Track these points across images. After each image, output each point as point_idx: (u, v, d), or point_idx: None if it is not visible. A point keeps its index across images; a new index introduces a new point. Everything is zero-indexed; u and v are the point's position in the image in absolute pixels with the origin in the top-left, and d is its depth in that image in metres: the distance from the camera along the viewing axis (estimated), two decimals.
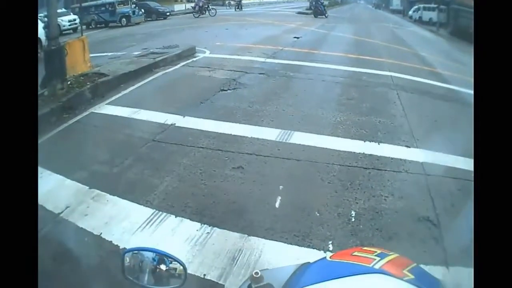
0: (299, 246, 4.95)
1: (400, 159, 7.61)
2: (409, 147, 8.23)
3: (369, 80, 14.05)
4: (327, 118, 9.59)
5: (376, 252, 1.83)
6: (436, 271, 4.66)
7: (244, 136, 8.14)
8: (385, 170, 7.16)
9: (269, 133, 8.32)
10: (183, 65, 15.23)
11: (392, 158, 7.63)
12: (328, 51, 20.17)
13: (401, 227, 5.51)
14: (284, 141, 7.98)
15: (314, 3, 50.11)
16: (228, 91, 11.53)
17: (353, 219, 5.59)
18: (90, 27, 41.80)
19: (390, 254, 1.83)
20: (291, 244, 5.01)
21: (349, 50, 21.30)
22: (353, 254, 1.83)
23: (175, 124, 8.79)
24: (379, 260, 1.72)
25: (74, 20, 38.31)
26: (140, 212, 5.62)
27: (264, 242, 5.01)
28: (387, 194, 6.29)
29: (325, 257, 1.88)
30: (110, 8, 43.98)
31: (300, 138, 8.17)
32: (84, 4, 44.09)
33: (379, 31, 35.96)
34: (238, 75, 13.39)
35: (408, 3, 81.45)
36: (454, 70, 19.10)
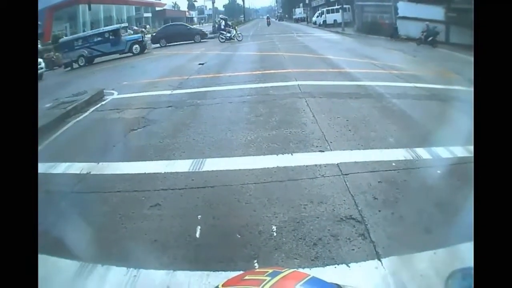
0: (224, 271, 4.99)
1: (315, 165, 7.84)
2: (323, 151, 8.47)
3: (276, 93, 14.36)
4: (237, 139, 9.75)
5: (267, 272, 1.82)
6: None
7: (158, 173, 8.13)
8: (301, 179, 7.35)
9: (182, 165, 8.36)
10: (93, 111, 15.01)
11: (307, 166, 7.84)
12: (233, 72, 20.44)
13: (324, 232, 5.67)
14: (197, 170, 8.04)
15: (218, 25, 49.36)
16: (138, 130, 11.49)
17: (275, 234, 5.71)
18: (77, 65, 36.55)
19: (283, 271, 1.83)
20: (216, 271, 5.06)
21: (254, 67, 21.59)
22: (244, 278, 1.83)
23: (90, 172, 8.66)
24: (269, 280, 1.72)
25: (39, 64, 31.73)
26: (69, 266, 5.53)
27: (190, 274, 5.04)
28: (306, 202, 6.46)
29: (218, 285, 1.90)
30: (111, 37, 38.68)
31: (213, 164, 8.27)
32: (63, 40, 40.87)
33: (282, 43, 36.53)
34: (147, 112, 13.36)
35: (311, 9, 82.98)
36: (361, 66, 19.67)
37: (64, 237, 6.29)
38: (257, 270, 1.96)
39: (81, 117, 14.25)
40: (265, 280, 1.72)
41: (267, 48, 31.99)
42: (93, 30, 43.81)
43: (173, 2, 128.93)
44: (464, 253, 5.00)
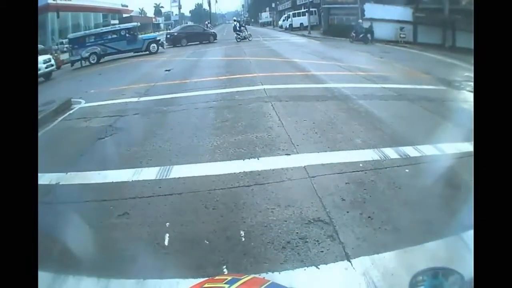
0: (194, 278, 4.95)
1: (282, 169, 7.90)
2: (289, 154, 8.54)
3: (242, 98, 14.45)
4: (204, 145, 9.79)
5: (226, 279, 1.84)
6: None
7: (125, 181, 8.12)
8: (268, 183, 7.40)
9: (149, 173, 8.36)
10: (61, 120, 14.89)
11: (273, 170, 7.91)
12: (200, 77, 20.43)
13: (293, 235, 5.73)
14: (164, 177, 8.05)
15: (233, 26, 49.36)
16: (106, 138, 11.42)
17: (243, 239, 5.77)
18: (87, 63, 36.09)
19: (242, 278, 1.85)
20: (186, 278, 5.08)
21: (219, 72, 21.59)
22: (203, 286, 1.82)
23: (59, 182, 8.59)
24: (228, 287, 1.74)
25: (49, 60, 30.25)
26: (40, 277, 5.48)
27: (160, 282, 5.06)
28: (273, 206, 6.53)
29: None
30: (128, 35, 38.69)
31: (179, 171, 8.30)
32: (73, 35, 39.88)
33: (248, 47, 36.43)
34: (114, 120, 13.30)
35: (278, 13, 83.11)
36: (327, 69, 19.80)
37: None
38: (216, 278, 1.95)
39: (49, 127, 14.05)
40: (224, 287, 1.74)
41: (233, 53, 31.97)
42: (108, 27, 43.99)
43: (139, 9, 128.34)
44: (434, 251, 5.11)
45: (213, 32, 52.57)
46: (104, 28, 42.79)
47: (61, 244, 6.21)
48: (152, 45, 39.56)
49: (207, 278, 2.02)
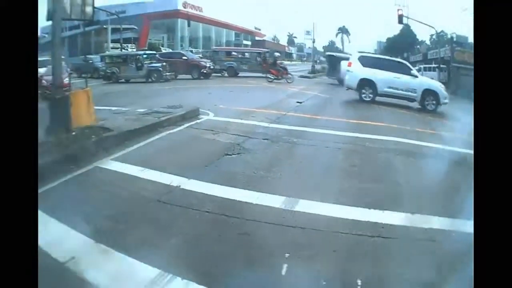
0: None
1: (404, 226, 7.69)
2: (413, 213, 8.33)
3: (372, 146, 14.21)
4: (331, 185, 9.73)
5: None
6: None
7: (249, 202, 8.22)
8: (391, 238, 7.25)
9: (274, 200, 8.39)
10: (187, 126, 15.53)
11: (396, 226, 7.71)
12: (331, 116, 20.33)
13: None
14: (288, 208, 8.03)
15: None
16: (233, 155, 11.69)
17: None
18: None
19: None
20: None
21: (350, 115, 21.41)
22: None
23: (180, 186, 8.94)
24: None
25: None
26: (146, 271, 5.67)
27: None
28: (392, 261, 6.38)
29: None
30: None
31: (304, 205, 8.23)
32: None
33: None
34: (242, 139, 13.58)
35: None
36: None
37: (144, 242, 6.62)
38: None
39: (175, 130, 14.81)
40: None
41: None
42: (253, 49, 51.44)
43: (273, 35, 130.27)
44: None
45: None
46: (246, 48, 47.74)
47: (174, 245, 6.54)
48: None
49: None
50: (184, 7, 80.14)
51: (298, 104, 24.61)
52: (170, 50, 63.93)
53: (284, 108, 21.88)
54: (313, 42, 65.79)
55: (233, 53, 50.57)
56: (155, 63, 40.85)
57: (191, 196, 8.49)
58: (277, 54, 46.30)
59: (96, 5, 15.37)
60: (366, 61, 26.29)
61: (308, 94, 31.36)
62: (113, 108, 19.19)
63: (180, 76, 42.37)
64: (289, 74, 42.83)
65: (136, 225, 7.27)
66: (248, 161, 11.37)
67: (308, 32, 65.24)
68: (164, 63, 40.53)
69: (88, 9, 14.16)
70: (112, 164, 10.59)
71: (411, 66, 25.56)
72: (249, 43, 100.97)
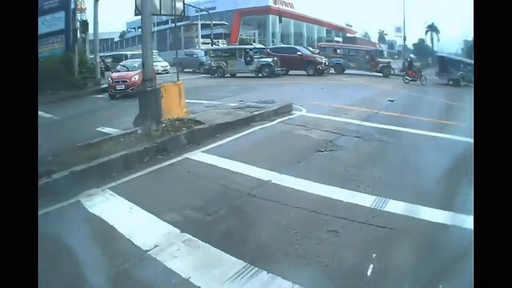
0: None
1: None
2: None
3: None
4: (422, 185, 9.33)
5: None
6: None
7: (339, 200, 8.08)
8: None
9: (365, 199, 8.19)
10: (280, 122, 15.54)
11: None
12: (421, 116, 19.72)
13: None
14: (379, 208, 7.84)
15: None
16: (325, 152, 11.53)
17: None
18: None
19: None
20: None
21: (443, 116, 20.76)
22: None
23: (271, 180, 8.93)
24: None
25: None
26: (231, 262, 5.70)
27: None
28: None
29: None
30: (366, 56, 44.56)
31: (396, 206, 7.96)
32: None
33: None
34: (335, 136, 13.37)
35: None
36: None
37: (231, 234, 6.67)
38: None
39: (267, 125, 14.89)
40: None
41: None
42: (356, 46, 52.12)
43: (364, 32, 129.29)
44: None
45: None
46: (354, 45, 50.80)
47: (262, 238, 6.54)
48: (385, 70, 43.26)
49: None
50: (275, 3, 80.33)
51: (390, 102, 23.77)
52: (283, 45, 64.03)
53: (376, 106, 21.06)
54: (404, 40, 64.41)
55: (339, 50, 49.00)
56: (265, 57, 40.65)
57: (282, 191, 8.47)
58: (412, 56, 44.68)
59: (186, 1, 15.72)
60: None
61: (399, 92, 30.59)
62: (205, 102, 19.45)
63: (292, 72, 41.98)
64: (423, 76, 40.51)
65: (224, 217, 7.29)
66: (340, 158, 11.16)
67: (398, 29, 64.15)
68: (275, 58, 40.03)
69: (179, 5, 14.63)
70: (203, 156, 10.71)
71: None
72: (340, 39, 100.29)
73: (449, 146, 13.06)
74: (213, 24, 64.07)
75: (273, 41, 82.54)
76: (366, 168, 10.30)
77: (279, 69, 39.33)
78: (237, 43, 66.81)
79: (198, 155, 10.89)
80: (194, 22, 69.24)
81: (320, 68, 42.03)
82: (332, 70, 44.48)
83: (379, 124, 16.32)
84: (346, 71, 45.56)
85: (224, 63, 39.82)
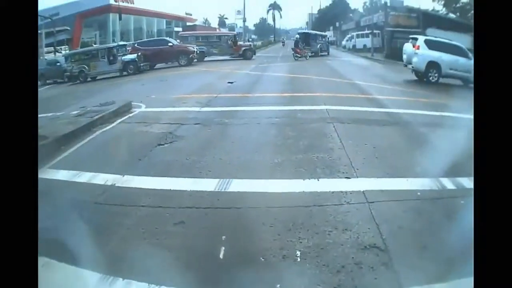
0: None
1: (341, 192, 7.80)
2: (349, 178, 8.45)
3: (305, 117, 14.45)
4: (265, 161, 9.77)
5: None
6: None
7: (183, 190, 8.16)
8: (327, 205, 7.32)
9: (208, 184, 8.36)
10: (120, 122, 15.24)
11: (332, 192, 7.82)
12: (262, 92, 20.41)
13: (348, 259, 5.63)
14: (223, 190, 8.05)
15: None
16: (165, 145, 11.54)
17: (298, 259, 5.71)
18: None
19: None
20: None
21: (282, 89, 21.70)
22: None
23: (115, 184, 8.78)
24: None
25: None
26: (89, 277, 5.58)
27: None
28: (330, 229, 6.43)
29: None
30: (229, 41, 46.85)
31: (239, 185, 8.27)
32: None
33: (312, 66, 36.41)
34: (174, 127, 13.43)
35: (341, 33, 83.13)
36: (390, 93, 19.64)
37: (85, 248, 6.35)
38: None
39: (108, 127, 14.53)
40: None
41: (295, 71, 31.99)
42: (214, 32, 55.27)
43: (203, 18, 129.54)
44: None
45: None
46: (215, 32, 53.74)
47: (112, 246, 6.44)
48: (248, 53, 47.56)
49: None
50: (116, 1, 78.52)
51: (230, 84, 24.51)
52: (152, 38, 62.74)
53: (216, 91, 21.76)
54: (244, 21, 65.65)
55: (201, 38, 49.78)
56: (129, 54, 38.90)
57: (126, 193, 8.39)
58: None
59: None
60: (431, 45, 26.96)
61: (238, 73, 31.24)
62: (49, 114, 18.91)
63: (159, 66, 41.84)
64: (307, 52, 46.06)
65: (74, 232, 7.02)
66: (180, 148, 11.27)
67: (239, 12, 65.15)
68: (139, 53, 38.56)
69: None
70: (49, 173, 10.33)
71: (466, 49, 26.08)
72: (180, 29, 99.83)
73: (289, 118, 13.69)
74: (56, 31, 61.65)
75: (113, 40, 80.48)
76: (206, 153, 10.47)
77: (143, 64, 38.41)
78: (79, 48, 64.78)
79: (45, 173, 9.86)
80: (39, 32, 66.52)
81: (192, 57, 42.30)
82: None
83: (219, 108, 16.69)
84: (209, 58, 47.55)
85: (86, 67, 36.96)
